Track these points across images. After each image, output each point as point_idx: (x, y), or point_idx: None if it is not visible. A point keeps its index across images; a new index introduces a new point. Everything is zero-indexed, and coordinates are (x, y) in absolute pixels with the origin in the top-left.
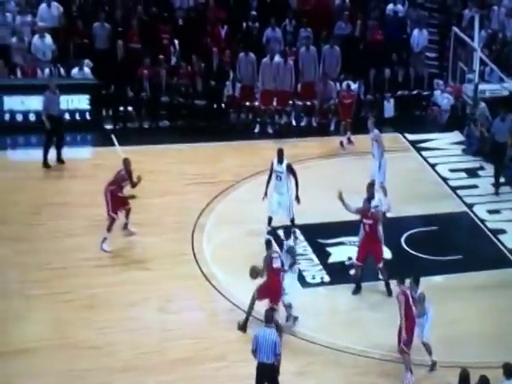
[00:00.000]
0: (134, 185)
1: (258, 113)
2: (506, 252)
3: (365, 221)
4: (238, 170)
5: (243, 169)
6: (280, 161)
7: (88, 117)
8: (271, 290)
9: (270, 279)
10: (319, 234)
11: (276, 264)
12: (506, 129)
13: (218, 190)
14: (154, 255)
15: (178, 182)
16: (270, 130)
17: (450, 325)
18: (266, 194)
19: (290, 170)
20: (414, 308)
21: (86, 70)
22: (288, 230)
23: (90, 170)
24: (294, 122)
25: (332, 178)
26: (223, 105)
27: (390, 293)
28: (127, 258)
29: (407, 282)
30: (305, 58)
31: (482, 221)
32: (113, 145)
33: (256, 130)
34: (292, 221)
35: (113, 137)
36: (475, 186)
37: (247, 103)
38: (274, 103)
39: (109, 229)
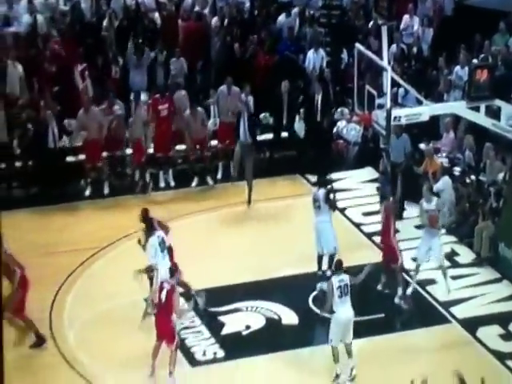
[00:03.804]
0: None
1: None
2: (438, 306)
3: None
4: (99, 235)
5: (108, 232)
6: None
7: None
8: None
9: None
10: (209, 302)
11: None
12: (401, 148)
13: (78, 261)
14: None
15: (27, 254)
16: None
17: None
18: None
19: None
20: None
21: None
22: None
23: None
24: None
25: (216, 234)
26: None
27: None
28: None
29: None
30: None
31: (407, 271)
32: None
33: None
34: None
35: None
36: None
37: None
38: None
39: None
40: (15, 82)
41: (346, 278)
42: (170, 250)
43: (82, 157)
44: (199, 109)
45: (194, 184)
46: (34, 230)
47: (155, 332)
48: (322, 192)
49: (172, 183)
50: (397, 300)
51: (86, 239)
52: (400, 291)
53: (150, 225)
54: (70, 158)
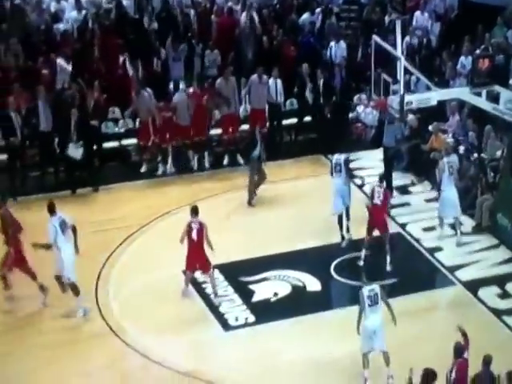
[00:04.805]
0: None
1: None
2: (445, 270)
3: None
4: (142, 213)
5: (148, 211)
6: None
7: None
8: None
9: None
10: (240, 272)
11: (193, 235)
12: (393, 134)
13: (122, 237)
14: (54, 315)
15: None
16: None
17: (391, 352)
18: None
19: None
20: None
21: None
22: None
23: None
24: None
25: (246, 210)
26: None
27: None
28: (20, 320)
29: None
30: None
31: (417, 240)
32: None
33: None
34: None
35: None
36: (407, 204)
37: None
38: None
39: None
40: (65, 78)
41: (376, 288)
42: (74, 230)
43: (125, 142)
44: (231, 77)
45: (225, 162)
46: (81, 210)
47: (187, 265)
48: (343, 157)
49: (207, 165)
50: (388, 267)
51: (130, 218)
52: (388, 258)
53: (51, 210)
54: (113, 143)
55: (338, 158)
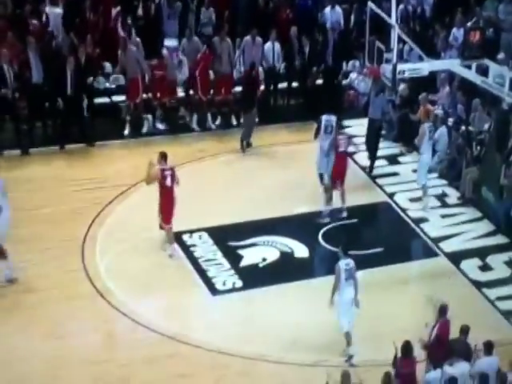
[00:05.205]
0: None
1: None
2: (429, 241)
3: None
4: (131, 172)
5: (137, 170)
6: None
7: None
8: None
9: None
10: (229, 237)
11: (168, 182)
12: (378, 105)
13: (110, 196)
14: (39, 274)
15: (63, 189)
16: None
17: (373, 321)
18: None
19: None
20: None
21: None
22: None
23: None
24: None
25: (236, 174)
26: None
27: None
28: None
29: None
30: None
31: (404, 210)
32: None
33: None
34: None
35: None
36: (396, 174)
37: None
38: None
39: None
40: (56, 27)
41: (351, 262)
42: None
43: (116, 98)
44: (227, 38)
45: (217, 122)
46: (70, 167)
47: (165, 217)
48: (334, 118)
49: (213, 126)
50: (343, 214)
51: (118, 177)
52: (344, 206)
53: None
54: (104, 99)
55: (329, 118)
